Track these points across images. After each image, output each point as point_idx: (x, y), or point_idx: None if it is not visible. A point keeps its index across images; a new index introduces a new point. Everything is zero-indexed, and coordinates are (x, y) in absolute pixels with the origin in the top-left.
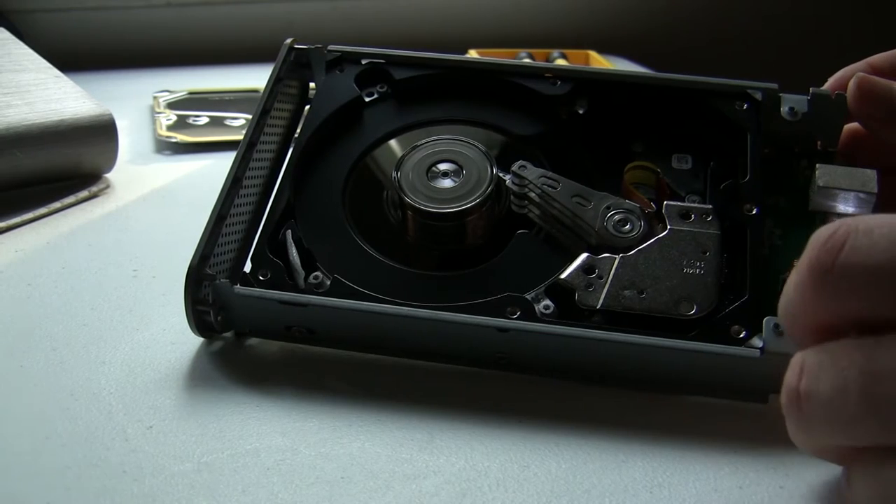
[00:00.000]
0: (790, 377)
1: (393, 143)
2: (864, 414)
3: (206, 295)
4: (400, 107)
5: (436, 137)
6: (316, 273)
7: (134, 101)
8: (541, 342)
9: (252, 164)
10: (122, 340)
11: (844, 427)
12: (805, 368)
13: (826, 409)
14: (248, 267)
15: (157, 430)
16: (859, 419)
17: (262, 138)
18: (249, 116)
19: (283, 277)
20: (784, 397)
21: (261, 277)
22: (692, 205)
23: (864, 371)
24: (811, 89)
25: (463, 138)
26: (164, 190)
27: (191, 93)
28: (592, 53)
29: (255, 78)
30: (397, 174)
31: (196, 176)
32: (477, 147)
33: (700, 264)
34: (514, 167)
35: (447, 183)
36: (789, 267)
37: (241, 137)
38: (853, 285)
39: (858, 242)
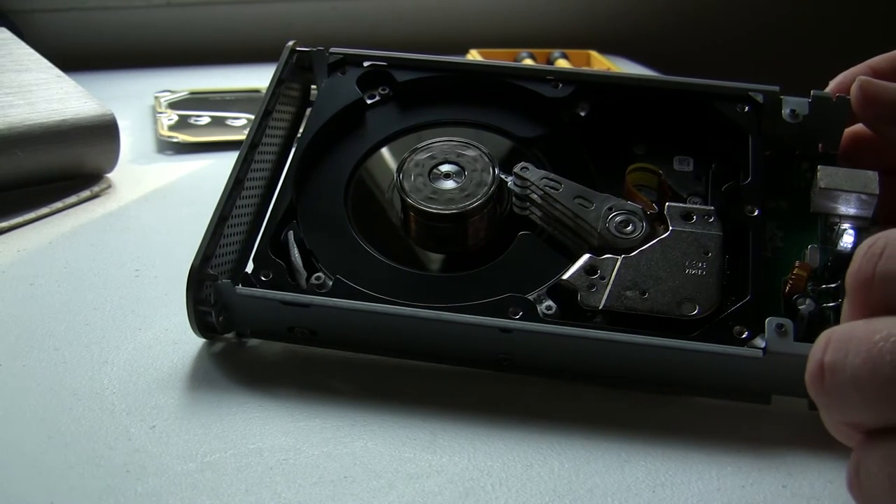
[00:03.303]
0: (815, 350)
1: (395, 145)
2: None
3: (207, 295)
4: (402, 109)
5: (438, 139)
6: (318, 274)
7: (135, 101)
8: (543, 343)
9: (254, 165)
10: (125, 340)
11: (870, 403)
12: (832, 340)
13: (851, 380)
14: (249, 267)
15: (160, 429)
16: (890, 394)
17: (265, 139)
18: (251, 116)
19: (285, 278)
20: (807, 373)
21: (263, 278)
22: (694, 206)
23: None
24: (812, 92)
25: (465, 140)
26: (165, 190)
27: (192, 93)
28: (593, 53)
29: (256, 78)
30: (399, 175)
31: (198, 176)
32: (479, 149)
33: (702, 265)
34: (516, 169)
35: (449, 184)
36: (791, 268)
37: (242, 137)
38: (894, 289)
39: None
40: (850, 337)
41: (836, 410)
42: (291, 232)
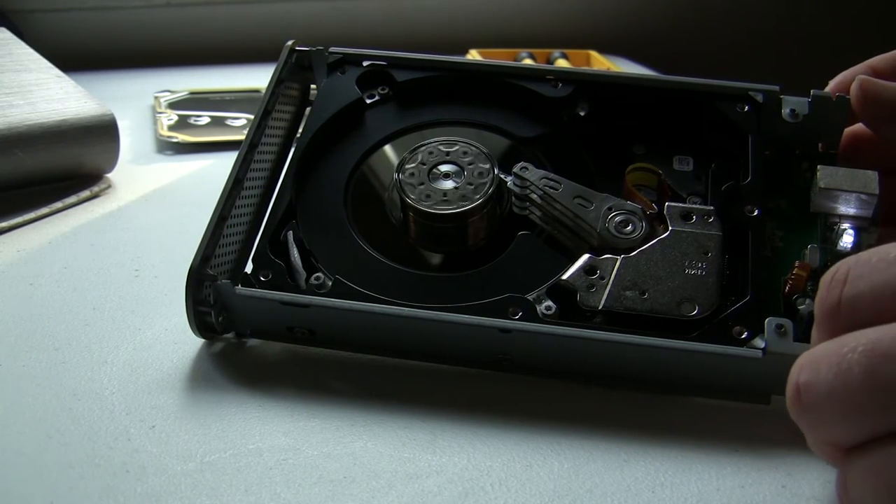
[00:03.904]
0: (791, 374)
1: (394, 144)
2: (870, 396)
3: (207, 296)
4: (401, 109)
5: (437, 139)
6: (317, 274)
7: (135, 101)
8: (542, 343)
9: (253, 165)
10: (124, 340)
11: (846, 415)
12: (805, 363)
13: (827, 397)
14: (249, 268)
15: (159, 429)
16: (863, 403)
17: (264, 139)
18: (250, 116)
19: (284, 278)
20: (787, 397)
21: (262, 278)
22: (693, 206)
23: (869, 351)
24: (812, 92)
25: (464, 140)
26: (165, 190)
27: (192, 93)
28: (593, 53)
29: (256, 78)
30: (399, 175)
31: (197, 176)
32: (478, 148)
33: (702, 265)
34: (516, 168)
35: (448, 184)
36: (791, 268)
37: (242, 137)
38: (861, 310)
39: (858, 271)
40: (822, 356)
41: (817, 429)
42: (291, 232)
